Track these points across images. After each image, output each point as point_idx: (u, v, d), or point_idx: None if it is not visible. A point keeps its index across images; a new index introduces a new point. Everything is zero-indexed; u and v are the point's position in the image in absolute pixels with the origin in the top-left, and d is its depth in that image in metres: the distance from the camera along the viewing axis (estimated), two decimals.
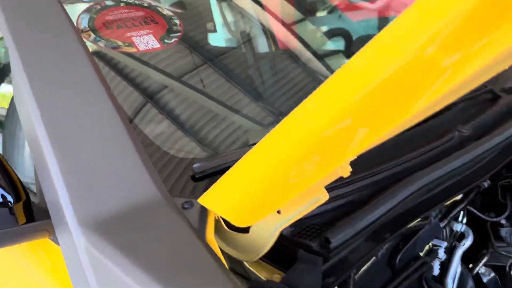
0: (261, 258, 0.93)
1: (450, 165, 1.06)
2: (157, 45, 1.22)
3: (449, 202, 1.33)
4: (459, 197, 1.25)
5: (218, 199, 0.68)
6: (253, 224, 0.66)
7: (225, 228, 0.84)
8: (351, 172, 0.99)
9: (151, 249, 0.68)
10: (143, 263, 0.65)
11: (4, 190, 0.95)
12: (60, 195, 0.76)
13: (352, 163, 1.06)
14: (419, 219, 1.06)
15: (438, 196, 1.10)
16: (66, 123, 0.84)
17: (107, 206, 0.75)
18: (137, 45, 1.19)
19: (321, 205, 0.93)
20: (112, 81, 1.29)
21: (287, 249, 0.87)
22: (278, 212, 0.72)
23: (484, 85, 1.47)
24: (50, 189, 0.80)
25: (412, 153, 1.09)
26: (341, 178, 0.97)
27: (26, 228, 0.96)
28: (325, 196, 0.64)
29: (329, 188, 0.94)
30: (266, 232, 0.75)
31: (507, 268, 1.25)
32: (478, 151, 1.13)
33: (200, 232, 0.75)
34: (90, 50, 1.29)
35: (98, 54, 1.31)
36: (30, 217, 0.98)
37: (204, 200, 0.72)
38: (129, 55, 1.29)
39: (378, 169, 1.01)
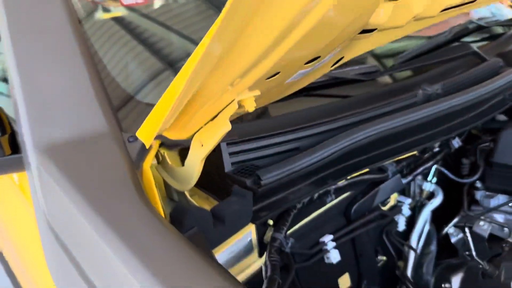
0: (208, 194, 1.03)
1: (403, 119, 1.09)
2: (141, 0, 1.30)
3: (421, 161, 1.36)
4: (416, 153, 1.27)
5: (143, 127, 0.77)
6: (153, 137, 0.74)
7: (169, 164, 0.93)
8: (298, 122, 1.05)
9: (86, 174, 0.79)
10: (76, 183, 0.76)
11: None
12: (22, 123, 0.88)
13: (305, 115, 1.12)
14: (368, 169, 1.10)
15: (394, 150, 1.14)
16: (35, 63, 0.95)
17: (60, 134, 0.86)
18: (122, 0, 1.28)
19: (266, 149, 1.01)
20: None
21: (228, 185, 0.95)
22: (202, 145, 0.80)
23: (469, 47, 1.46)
24: (18, 119, 0.92)
25: (368, 106, 1.12)
26: (288, 126, 1.04)
27: (12, 159, 1.08)
28: (228, 127, 0.71)
29: (275, 134, 1.01)
30: (194, 162, 0.83)
31: (468, 228, 1.28)
32: (438, 108, 1.15)
33: (135, 163, 0.85)
34: (114, 16, 1.40)
35: (116, 19, 1.41)
36: (15, 149, 1.11)
37: (139, 132, 0.82)
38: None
39: (328, 119, 1.06)
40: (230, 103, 0.69)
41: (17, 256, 1.63)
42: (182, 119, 0.75)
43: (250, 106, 0.71)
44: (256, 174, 0.91)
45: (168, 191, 1.02)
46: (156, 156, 0.97)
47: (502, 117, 1.62)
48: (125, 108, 1.06)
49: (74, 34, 1.03)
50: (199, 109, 0.70)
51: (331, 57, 0.84)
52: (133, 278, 0.54)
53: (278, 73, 0.67)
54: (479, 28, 1.76)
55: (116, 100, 1.05)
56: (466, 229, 1.23)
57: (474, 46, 1.50)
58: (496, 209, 1.34)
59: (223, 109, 0.71)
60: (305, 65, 0.74)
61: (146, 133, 0.71)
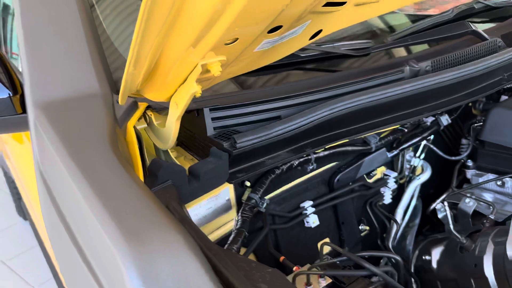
0: (193, 156, 1.11)
1: (384, 92, 1.12)
2: None
3: (408, 136, 1.39)
4: (399, 127, 1.31)
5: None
6: (122, 95, 0.81)
7: (155, 125, 1.02)
8: (282, 93, 1.11)
9: (71, 128, 0.88)
10: (61, 136, 0.85)
11: (4, 84, 1.19)
12: (25, 82, 0.98)
13: (290, 87, 1.17)
14: (347, 140, 1.15)
15: (375, 123, 1.18)
16: (39, 29, 1.05)
17: (55, 92, 0.96)
18: None
19: (248, 117, 1.08)
20: None
21: (209, 147, 1.03)
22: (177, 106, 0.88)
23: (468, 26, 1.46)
24: (23, 79, 1.03)
25: (353, 80, 1.16)
26: (268, 95, 1.10)
27: (22, 117, 1.19)
28: (194, 88, 0.78)
29: (257, 102, 1.07)
30: (172, 122, 0.91)
31: (446, 203, 1.31)
32: (421, 84, 1.17)
33: (120, 121, 0.94)
34: None
35: None
36: (25, 109, 1.22)
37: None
38: None
39: (310, 91, 1.11)
40: (195, 67, 0.75)
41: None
42: (156, 81, 0.82)
43: (216, 71, 0.77)
44: (232, 138, 0.98)
45: (157, 152, 1.10)
46: (147, 118, 1.06)
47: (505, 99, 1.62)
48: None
49: (77, 3, 1.11)
50: (168, 71, 0.78)
51: (303, 28, 0.89)
52: (90, 212, 0.62)
53: (237, 39, 0.73)
54: (491, 8, 1.75)
55: (115, 65, 1.14)
56: (445, 203, 1.26)
57: (475, 26, 1.50)
58: (477, 186, 1.37)
59: (191, 73, 0.78)
60: (269, 34, 0.79)
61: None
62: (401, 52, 1.41)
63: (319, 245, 0.89)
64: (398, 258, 0.84)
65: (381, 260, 1.40)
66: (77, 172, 0.70)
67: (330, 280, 0.86)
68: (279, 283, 0.67)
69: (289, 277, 0.83)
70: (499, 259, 1.12)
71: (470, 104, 1.58)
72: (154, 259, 0.52)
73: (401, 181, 1.50)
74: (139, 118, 1.09)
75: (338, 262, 0.86)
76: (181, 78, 0.81)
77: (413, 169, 1.46)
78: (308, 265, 0.87)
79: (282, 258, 0.97)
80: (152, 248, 0.53)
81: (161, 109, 1.04)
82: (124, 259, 0.52)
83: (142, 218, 0.58)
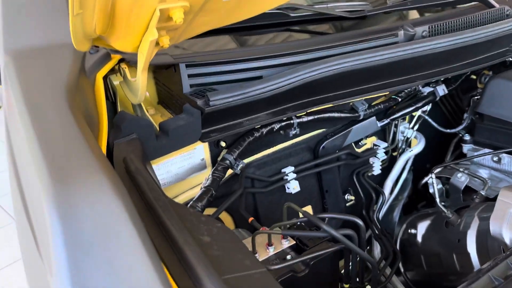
0: (172, 114, 1.09)
1: (369, 56, 1.06)
2: None
3: (401, 105, 1.33)
4: (387, 94, 1.25)
5: None
6: (82, 43, 0.79)
7: (128, 78, 0.99)
8: (262, 52, 1.07)
9: (34, 75, 0.86)
10: (22, 82, 0.83)
11: None
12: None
13: (275, 48, 1.13)
14: (331, 104, 1.10)
15: (365, 89, 1.13)
16: None
17: (28, 40, 0.94)
18: None
19: (227, 75, 1.04)
20: None
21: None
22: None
23: None
24: None
25: (342, 42, 1.11)
26: (250, 54, 1.06)
27: None
28: (154, 35, 0.74)
29: (236, 60, 1.03)
30: (139, 74, 0.88)
31: (433, 175, 1.25)
32: (413, 49, 1.11)
33: (90, 72, 0.92)
34: None
35: None
36: None
37: None
38: None
39: (294, 51, 1.07)
40: (154, 12, 0.72)
41: None
42: (119, 26, 0.79)
43: (178, 18, 0.74)
44: (206, 95, 0.95)
45: (133, 107, 1.08)
46: (121, 72, 1.04)
47: None
48: None
49: None
50: (128, 15, 0.74)
51: None
52: (29, 153, 0.61)
53: None
54: None
55: None
56: (433, 176, 1.21)
57: None
58: (465, 160, 1.32)
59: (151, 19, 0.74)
60: None
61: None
62: (399, 16, 1.34)
63: (284, 207, 0.86)
64: (359, 222, 0.80)
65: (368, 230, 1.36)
66: (26, 116, 0.69)
67: (294, 242, 0.83)
68: (224, 236, 0.65)
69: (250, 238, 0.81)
70: (483, 235, 1.07)
71: (475, 77, 1.50)
72: (75, 199, 0.50)
73: (394, 153, 1.45)
74: (116, 73, 1.07)
75: (299, 223, 0.83)
76: (143, 25, 0.77)
77: (407, 141, 1.41)
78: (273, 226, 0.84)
79: (250, 219, 0.95)
80: (75, 188, 0.51)
81: (136, 62, 1.01)
82: (47, 196, 0.51)
83: (73, 162, 0.56)
